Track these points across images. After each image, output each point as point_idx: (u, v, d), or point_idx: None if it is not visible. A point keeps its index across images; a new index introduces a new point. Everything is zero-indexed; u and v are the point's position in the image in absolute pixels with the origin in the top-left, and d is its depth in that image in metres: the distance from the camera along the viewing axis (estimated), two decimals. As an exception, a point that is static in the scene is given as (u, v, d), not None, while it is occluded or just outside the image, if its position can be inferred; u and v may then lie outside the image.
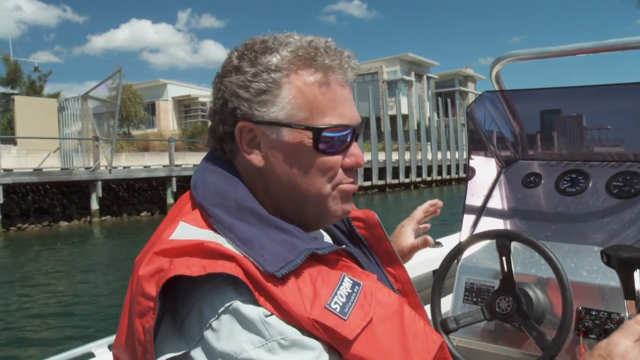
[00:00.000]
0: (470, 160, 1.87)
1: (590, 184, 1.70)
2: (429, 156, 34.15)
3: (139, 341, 0.68)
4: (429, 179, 33.64)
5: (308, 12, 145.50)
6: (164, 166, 20.42)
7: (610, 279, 1.35)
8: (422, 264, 2.00)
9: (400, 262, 0.94)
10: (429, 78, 48.21)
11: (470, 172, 1.87)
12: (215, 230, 0.72)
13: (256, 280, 0.66)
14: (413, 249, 1.29)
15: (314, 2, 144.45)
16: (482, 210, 1.84)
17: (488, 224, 1.81)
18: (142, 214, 19.53)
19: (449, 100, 40.14)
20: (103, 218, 18.10)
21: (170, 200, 19.55)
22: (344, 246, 0.80)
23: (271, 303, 0.66)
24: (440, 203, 1.35)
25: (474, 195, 1.86)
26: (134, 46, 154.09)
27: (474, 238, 1.44)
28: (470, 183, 1.85)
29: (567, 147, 1.89)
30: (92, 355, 1.52)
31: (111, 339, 1.55)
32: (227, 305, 0.66)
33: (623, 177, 1.65)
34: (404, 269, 0.93)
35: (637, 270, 1.09)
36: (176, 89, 41.10)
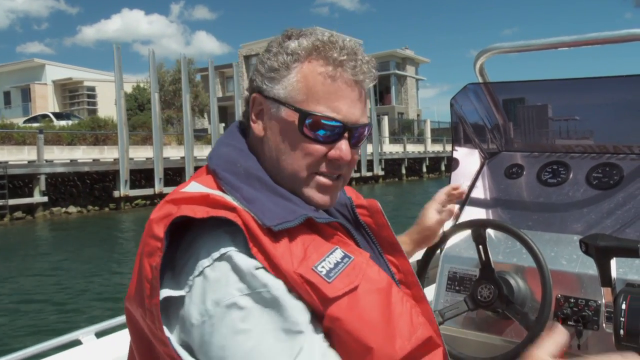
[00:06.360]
0: (454, 152, 2.10)
1: (571, 175, 1.96)
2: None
3: (147, 279, 0.81)
4: (357, 175, 30.52)
5: (301, 3, 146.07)
6: None
7: (589, 267, 1.55)
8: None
9: (403, 252, 1.02)
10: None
11: (453, 163, 2.09)
12: (223, 191, 0.86)
13: (253, 232, 0.79)
14: (440, 223, 1.47)
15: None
16: (465, 201, 2.07)
17: (471, 214, 2.03)
18: None
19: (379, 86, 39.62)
20: None
21: None
22: (341, 220, 0.95)
23: (263, 255, 0.79)
24: (463, 188, 1.54)
25: None
26: (126, 37, 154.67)
27: (455, 228, 1.63)
28: (453, 174, 2.07)
29: (547, 138, 2.16)
30: (79, 342, 1.60)
31: (98, 326, 1.65)
32: (222, 252, 0.79)
33: (602, 168, 1.91)
34: (406, 260, 1.01)
35: (614, 258, 1.27)
36: (57, 71, 38.69)
